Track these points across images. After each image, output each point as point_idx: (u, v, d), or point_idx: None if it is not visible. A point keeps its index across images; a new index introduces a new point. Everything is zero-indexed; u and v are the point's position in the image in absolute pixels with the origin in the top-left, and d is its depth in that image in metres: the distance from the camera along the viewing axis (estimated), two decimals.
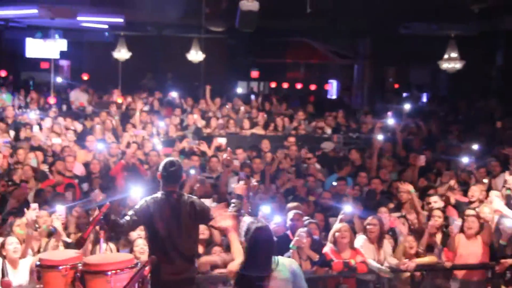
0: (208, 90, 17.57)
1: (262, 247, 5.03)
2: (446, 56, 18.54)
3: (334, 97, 24.22)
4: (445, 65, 18.66)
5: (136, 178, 10.28)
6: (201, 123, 15.59)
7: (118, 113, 15.89)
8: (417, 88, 22.64)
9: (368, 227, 8.45)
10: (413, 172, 11.33)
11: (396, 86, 23.86)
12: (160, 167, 6.20)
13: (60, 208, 7.87)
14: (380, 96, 21.74)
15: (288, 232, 8.53)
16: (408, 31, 19.57)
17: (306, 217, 8.88)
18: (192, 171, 10.57)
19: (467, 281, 8.55)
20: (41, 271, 4.91)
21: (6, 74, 20.04)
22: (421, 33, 19.89)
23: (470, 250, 8.47)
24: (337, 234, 8.26)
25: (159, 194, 6.12)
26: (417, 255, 8.42)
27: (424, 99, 22.27)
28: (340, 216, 8.47)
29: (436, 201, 9.45)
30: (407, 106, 16.69)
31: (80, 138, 13.52)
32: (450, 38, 18.55)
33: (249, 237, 5.02)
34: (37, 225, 8.29)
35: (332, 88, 24.98)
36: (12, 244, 7.15)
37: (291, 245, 7.98)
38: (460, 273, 8.59)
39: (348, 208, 8.64)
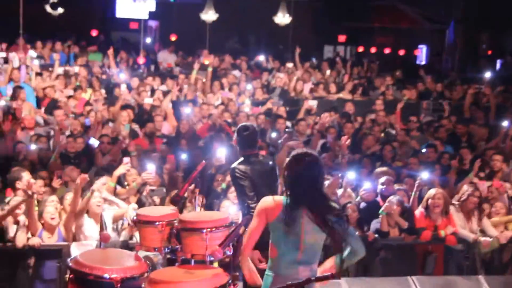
0: (297, 52, 17.39)
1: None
2: None
3: (423, 63, 23.64)
4: None
5: (223, 139, 10.32)
6: (288, 86, 15.48)
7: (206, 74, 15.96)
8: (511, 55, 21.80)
9: (463, 197, 8.27)
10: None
11: (489, 52, 23.03)
12: (235, 133, 6.29)
13: (150, 167, 7.98)
14: (472, 62, 21.05)
15: (378, 198, 8.44)
16: None
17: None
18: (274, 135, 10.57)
19: None
20: (138, 226, 4.99)
21: (97, 33, 20.43)
22: None
23: None
24: (430, 201, 8.11)
25: (240, 160, 6.24)
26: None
27: None
28: (416, 183, 8.32)
29: None
30: (487, 75, 16.15)
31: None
32: None
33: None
34: (126, 183, 8.47)
35: (422, 54, 24.37)
36: (96, 198, 7.28)
37: (380, 211, 7.91)
38: None
39: (425, 175, 8.47)
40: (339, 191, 8.45)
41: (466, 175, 9.20)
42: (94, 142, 9.72)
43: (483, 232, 8.19)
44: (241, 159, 6.27)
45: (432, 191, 8.17)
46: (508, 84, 15.72)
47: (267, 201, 4.59)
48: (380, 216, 7.92)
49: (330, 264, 4.69)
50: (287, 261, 4.52)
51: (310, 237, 4.54)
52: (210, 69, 15.11)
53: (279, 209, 4.52)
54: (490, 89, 13.71)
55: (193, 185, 5.26)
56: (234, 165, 6.24)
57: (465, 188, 8.34)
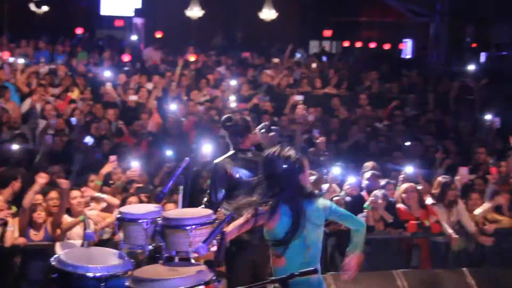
0: (288, 49, 17.27)
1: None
2: None
3: (409, 56, 23.71)
4: None
5: (209, 136, 10.33)
6: (274, 81, 15.48)
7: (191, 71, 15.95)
8: (496, 48, 21.89)
9: (438, 188, 8.31)
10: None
11: (475, 45, 23.12)
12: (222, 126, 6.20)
13: (135, 164, 7.98)
14: (457, 56, 21.13)
15: (363, 193, 8.48)
16: None
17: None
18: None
19: None
20: (122, 223, 4.99)
21: (82, 31, 20.35)
22: None
23: None
24: (403, 195, 8.16)
25: (226, 155, 6.11)
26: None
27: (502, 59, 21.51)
28: (400, 177, 8.37)
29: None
30: (471, 68, 16.22)
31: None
32: None
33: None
34: (111, 181, 8.47)
35: (407, 48, 24.44)
36: (76, 198, 7.32)
37: (365, 205, 7.94)
38: None
39: (409, 169, 8.51)
40: (325, 187, 8.48)
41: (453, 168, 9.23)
42: (89, 140, 9.70)
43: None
44: (228, 153, 6.13)
45: (404, 186, 8.21)
46: (492, 77, 15.79)
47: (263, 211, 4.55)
48: (365, 210, 7.95)
49: (350, 257, 4.70)
50: (296, 266, 4.40)
51: (313, 234, 4.57)
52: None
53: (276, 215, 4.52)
54: (475, 82, 13.79)
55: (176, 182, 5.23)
56: (217, 160, 6.13)
57: (440, 180, 8.35)
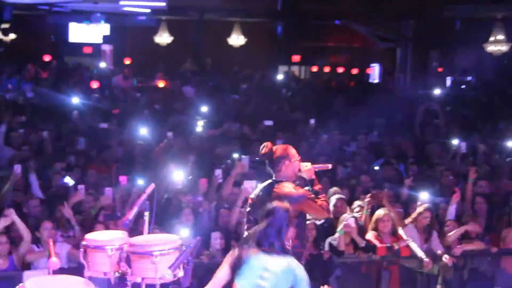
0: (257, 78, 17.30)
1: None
2: (492, 38, 18.18)
3: (376, 81, 23.97)
4: (490, 48, 18.31)
5: (179, 162, 10.31)
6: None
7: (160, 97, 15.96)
8: (462, 72, 22.24)
9: (419, 216, 8.35)
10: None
11: (440, 70, 23.47)
12: None
13: (108, 191, 7.96)
14: (423, 80, 21.42)
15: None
16: (453, 13, 19.20)
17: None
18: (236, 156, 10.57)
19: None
20: (86, 250, 4.95)
21: (50, 58, 20.25)
22: (466, 15, 19.50)
23: None
24: (379, 222, 8.20)
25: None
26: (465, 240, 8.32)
27: (469, 83, 21.85)
28: (366, 199, 8.41)
29: (482, 186, 9.32)
30: (437, 92, 16.46)
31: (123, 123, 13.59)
32: (496, 20, 18.17)
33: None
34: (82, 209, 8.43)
35: (375, 72, 24.71)
36: (47, 229, 7.32)
37: (339, 230, 7.95)
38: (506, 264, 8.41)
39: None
40: None
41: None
42: (69, 181, 9.54)
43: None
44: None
45: (380, 212, 8.24)
46: (457, 101, 16.03)
47: None
48: (338, 235, 7.97)
49: None
50: None
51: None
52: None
53: None
54: (440, 106, 13.97)
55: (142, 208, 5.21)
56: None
57: (417, 207, 8.43)
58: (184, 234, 6.90)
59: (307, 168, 6.00)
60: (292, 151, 6.00)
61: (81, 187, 8.20)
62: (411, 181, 9.54)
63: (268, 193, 5.87)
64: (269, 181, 6.00)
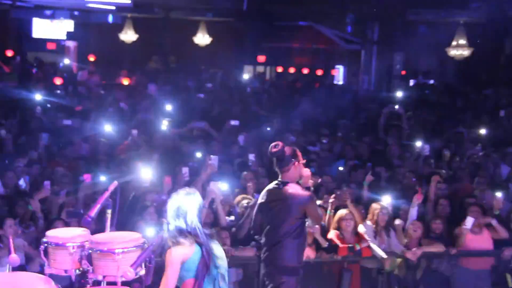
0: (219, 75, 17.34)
1: None
2: (454, 43, 18.47)
3: (341, 82, 24.14)
4: (453, 52, 18.61)
5: (144, 160, 10.24)
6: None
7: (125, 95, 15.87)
8: (424, 75, 22.54)
9: (375, 215, 8.43)
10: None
11: (403, 72, 23.76)
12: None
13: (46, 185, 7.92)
14: (387, 82, 21.66)
15: None
16: (417, 17, 19.47)
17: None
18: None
19: (471, 270, 8.51)
20: (48, 248, 4.90)
21: (13, 54, 19.99)
22: (429, 20, 19.78)
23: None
24: (342, 222, 8.25)
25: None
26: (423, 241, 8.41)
27: (431, 87, 22.15)
28: (330, 200, 8.46)
29: (441, 189, 9.43)
30: (400, 94, 16.66)
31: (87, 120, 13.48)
32: (459, 24, 18.47)
33: None
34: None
35: (339, 74, 24.88)
36: (11, 226, 7.28)
37: None
38: (464, 262, 8.55)
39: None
40: None
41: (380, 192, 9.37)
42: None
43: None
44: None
45: (343, 212, 8.29)
46: (420, 104, 16.22)
47: None
48: None
49: None
50: None
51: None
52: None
53: None
54: (403, 109, 14.12)
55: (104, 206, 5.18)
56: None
57: (374, 207, 8.50)
58: (148, 233, 6.86)
59: (307, 174, 6.07)
60: (300, 153, 6.13)
61: (47, 183, 8.11)
62: (371, 179, 9.59)
63: (277, 194, 6.01)
64: (275, 182, 6.17)
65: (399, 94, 16.64)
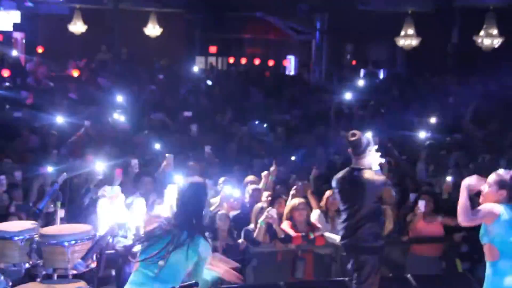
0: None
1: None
2: (402, 32, 18.71)
3: (292, 73, 24.23)
4: (401, 42, 18.88)
5: (95, 152, 10.13)
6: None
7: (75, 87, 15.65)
8: (374, 65, 22.79)
9: (327, 201, 8.51)
10: None
11: (354, 62, 23.98)
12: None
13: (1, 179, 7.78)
14: (338, 72, 21.83)
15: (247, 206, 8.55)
16: (366, 7, 19.65)
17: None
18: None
19: (422, 257, 8.64)
20: None
21: None
22: (378, 9, 19.98)
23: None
24: (294, 211, 8.29)
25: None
26: None
27: (381, 76, 22.43)
28: (292, 192, 8.50)
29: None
30: (360, 82, 16.82)
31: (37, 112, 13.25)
32: (407, 15, 18.71)
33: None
34: None
35: (291, 64, 24.97)
36: None
37: (260, 221, 7.95)
38: (416, 249, 8.67)
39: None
40: (215, 200, 8.46)
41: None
42: None
43: None
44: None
45: (295, 201, 8.33)
46: (370, 93, 16.39)
47: None
48: (259, 225, 7.98)
49: None
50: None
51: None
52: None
53: None
54: (354, 99, 14.26)
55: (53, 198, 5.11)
56: None
57: (328, 194, 8.58)
58: (100, 224, 6.80)
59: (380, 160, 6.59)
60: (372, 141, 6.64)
61: (2, 177, 7.96)
62: (318, 173, 9.70)
63: (352, 179, 6.43)
64: (348, 169, 6.57)
65: (350, 83, 16.80)
